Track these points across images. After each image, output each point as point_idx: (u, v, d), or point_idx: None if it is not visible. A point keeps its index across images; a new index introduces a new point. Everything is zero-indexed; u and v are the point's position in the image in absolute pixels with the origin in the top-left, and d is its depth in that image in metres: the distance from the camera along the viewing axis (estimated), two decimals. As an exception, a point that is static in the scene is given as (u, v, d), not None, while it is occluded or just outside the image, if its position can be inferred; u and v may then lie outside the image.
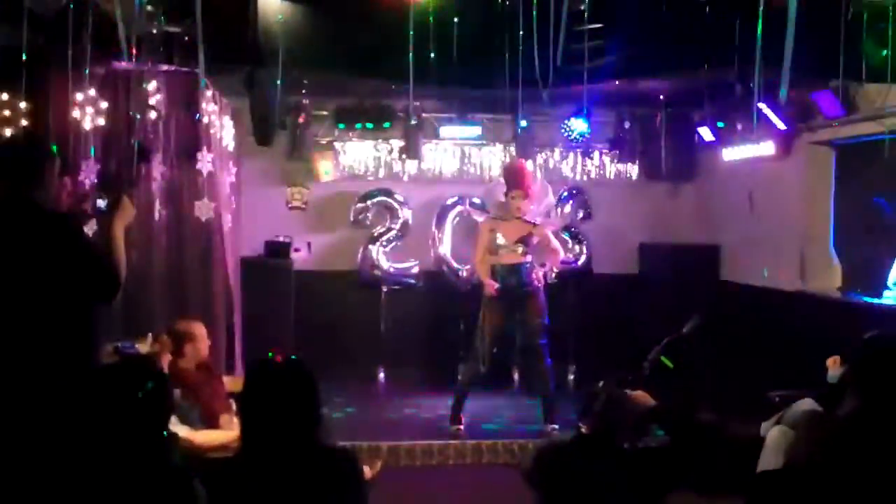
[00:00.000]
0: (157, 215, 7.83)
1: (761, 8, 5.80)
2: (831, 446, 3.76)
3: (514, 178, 8.53)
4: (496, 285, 8.36)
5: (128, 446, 3.17)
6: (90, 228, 5.81)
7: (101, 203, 4.91)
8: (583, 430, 4.49)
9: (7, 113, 7.19)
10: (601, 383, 4.59)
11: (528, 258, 8.47)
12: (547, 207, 9.32)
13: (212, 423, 5.96)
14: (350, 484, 3.54)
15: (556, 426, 8.33)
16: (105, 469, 3.12)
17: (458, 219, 10.78)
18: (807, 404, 6.56)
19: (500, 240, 8.44)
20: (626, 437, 4.33)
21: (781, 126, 8.74)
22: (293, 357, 3.57)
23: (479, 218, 9.86)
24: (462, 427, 8.51)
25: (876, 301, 8.20)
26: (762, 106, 8.44)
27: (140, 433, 3.21)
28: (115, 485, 3.04)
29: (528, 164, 9.41)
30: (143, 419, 3.23)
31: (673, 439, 4.45)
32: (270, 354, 3.57)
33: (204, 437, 5.66)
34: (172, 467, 3.19)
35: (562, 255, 9.01)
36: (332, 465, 3.49)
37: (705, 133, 9.98)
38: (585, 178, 11.18)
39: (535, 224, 8.54)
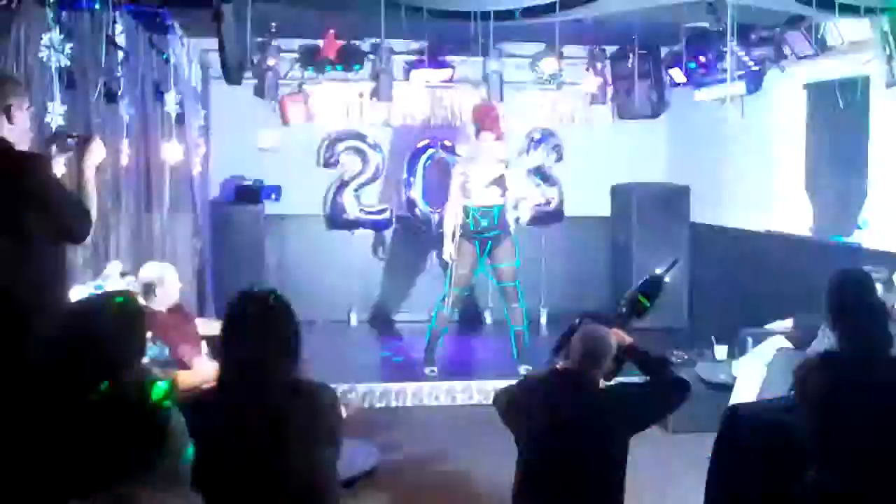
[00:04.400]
0: (124, 157, 7.73)
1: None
2: (808, 382, 3.81)
3: (482, 119, 8.55)
4: (452, 253, 8.42)
5: (100, 375, 3.15)
6: (59, 168, 5.75)
7: (71, 142, 4.85)
8: (558, 365, 4.52)
9: (-30, 54, 7.05)
10: (578, 320, 4.62)
11: (502, 200, 8.48)
12: (517, 148, 9.33)
13: (183, 365, 5.95)
14: (326, 420, 3.55)
15: (529, 367, 8.39)
16: (79, 396, 3.11)
17: (429, 162, 10.75)
18: (777, 341, 6.65)
19: (473, 182, 8.44)
20: (601, 374, 4.36)
21: (752, 66, 8.74)
22: (273, 291, 3.58)
23: (452, 161, 9.85)
24: (436, 369, 8.55)
25: (846, 240, 8.27)
26: (734, 45, 8.44)
27: (114, 361, 3.20)
28: (88, 412, 3.03)
29: (497, 106, 9.41)
30: (116, 347, 3.23)
31: (647, 377, 4.50)
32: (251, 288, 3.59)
33: (179, 376, 5.65)
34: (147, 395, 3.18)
35: (535, 195, 9.03)
36: (310, 400, 3.50)
37: (676, 75, 9.96)
38: (557, 120, 11.14)
39: (506, 165, 8.55)
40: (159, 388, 2.85)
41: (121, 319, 3.38)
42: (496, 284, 8.56)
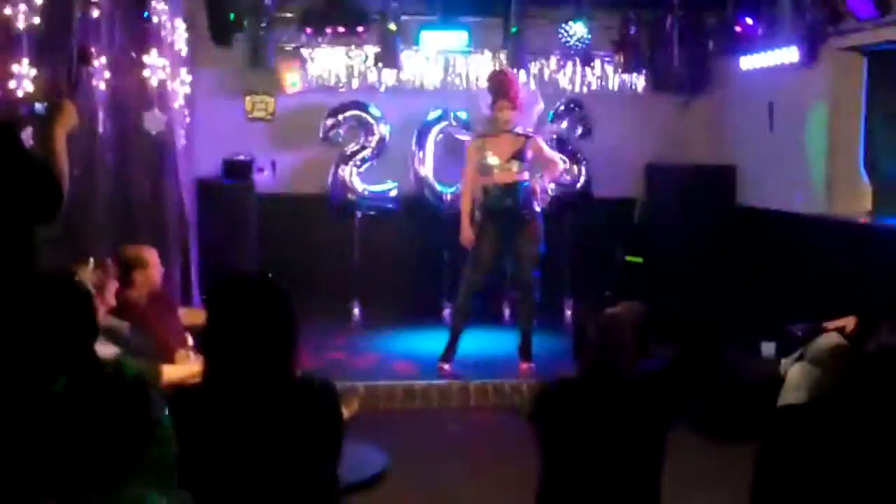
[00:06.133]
0: (100, 127, 7.73)
1: None
2: (862, 381, 3.79)
3: (500, 87, 8.53)
4: (472, 238, 8.47)
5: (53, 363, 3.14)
6: (26, 136, 5.75)
7: (39, 107, 4.84)
8: (583, 365, 4.51)
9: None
10: (582, 313, 4.61)
11: (526, 175, 8.46)
12: (538, 116, 9.28)
13: (166, 358, 5.94)
14: (328, 418, 3.54)
15: (532, 364, 8.52)
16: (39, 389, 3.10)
17: (441, 136, 10.72)
18: (832, 338, 6.60)
19: (492, 158, 8.41)
20: (629, 359, 4.33)
21: (807, 30, 8.71)
22: (266, 273, 3.56)
23: (465, 137, 9.83)
24: (448, 366, 8.57)
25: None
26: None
27: (68, 345, 3.19)
28: (52, 405, 3.03)
29: (516, 72, 9.43)
30: (66, 331, 3.21)
31: (676, 343, 4.47)
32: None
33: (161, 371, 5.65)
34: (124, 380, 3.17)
35: (561, 166, 9.00)
36: (308, 397, 3.49)
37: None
38: (585, 90, 11.09)
39: (527, 136, 8.53)
40: (138, 373, 2.84)
41: (63, 299, 3.34)
42: (515, 272, 8.53)
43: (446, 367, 8.57)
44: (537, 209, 8.54)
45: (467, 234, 8.52)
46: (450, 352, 8.62)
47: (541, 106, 9.30)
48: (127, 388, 3.00)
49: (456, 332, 8.63)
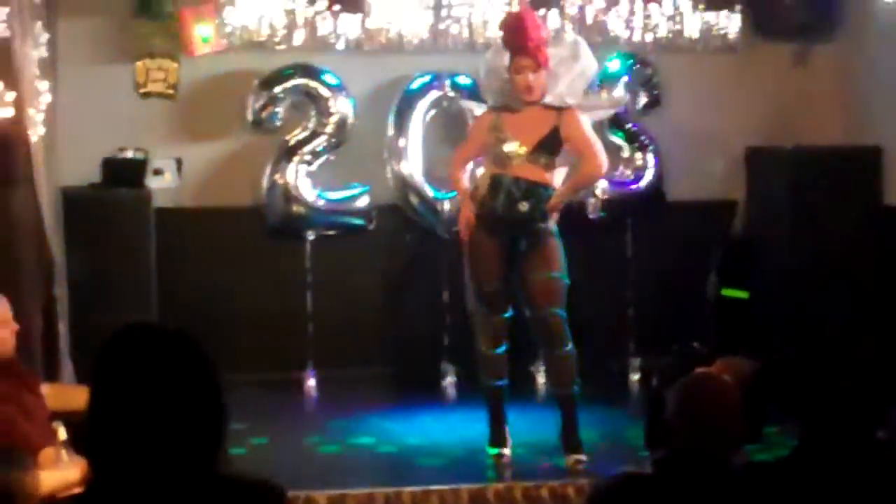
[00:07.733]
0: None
1: None
2: None
3: (514, 38, 8.49)
4: (471, 216, 8.46)
5: None
6: None
7: None
8: (657, 458, 4.51)
9: None
10: (657, 377, 4.62)
11: (556, 177, 8.47)
12: (584, 78, 9.20)
13: (26, 460, 5.96)
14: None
15: (583, 456, 8.40)
16: None
17: (433, 112, 10.76)
18: None
19: (510, 145, 8.37)
20: (731, 444, 4.33)
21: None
22: (176, 328, 3.55)
23: (478, 109, 9.75)
24: (507, 451, 8.61)
25: None
26: None
27: None
28: None
29: (543, 15, 9.42)
30: None
31: (801, 418, 4.46)
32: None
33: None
34: None
35: (604, 163, 8.90)
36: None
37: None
38: (650, 38, 11.11)
39: (560, 108, 8.51)
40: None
41: None
42: (528, 311, 8.46)
43: (506, 452, 8.61)
44: (553, 226, 8.50)
45: (467, 215, 8.50)
46: (498, 431, 8.64)
47: (584, 63, 9.27)
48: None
49: (492, 402, 8.67)
